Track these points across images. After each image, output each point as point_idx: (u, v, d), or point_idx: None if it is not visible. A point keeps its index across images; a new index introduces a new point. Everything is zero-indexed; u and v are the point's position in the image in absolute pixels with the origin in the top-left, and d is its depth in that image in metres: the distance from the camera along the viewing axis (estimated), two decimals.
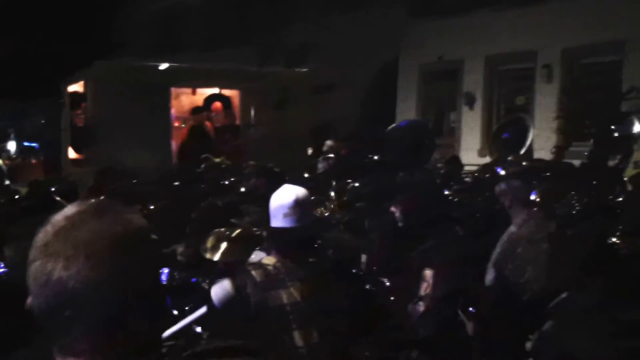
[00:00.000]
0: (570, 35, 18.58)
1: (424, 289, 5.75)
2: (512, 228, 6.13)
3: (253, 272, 4.13)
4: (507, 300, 5.84)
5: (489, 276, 6.07)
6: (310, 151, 15.89)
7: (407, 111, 22.31)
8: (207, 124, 15.40)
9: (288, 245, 4.22)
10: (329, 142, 16.73)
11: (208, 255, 5.96)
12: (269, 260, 4.24)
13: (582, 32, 18.26)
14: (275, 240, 4.24)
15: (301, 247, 4.31)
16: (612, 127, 12.92)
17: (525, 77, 20.36)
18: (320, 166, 11.63)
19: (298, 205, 4.17)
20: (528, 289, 5.76)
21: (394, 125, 12.29)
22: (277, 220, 4.19)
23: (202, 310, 3.27)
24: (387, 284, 6.23)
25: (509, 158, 10.32)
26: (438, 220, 6.32)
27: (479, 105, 21.22)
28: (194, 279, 6.44)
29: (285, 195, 4.21)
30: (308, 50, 25.37)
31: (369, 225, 7.72)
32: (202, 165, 11.77)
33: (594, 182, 9.74)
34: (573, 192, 9.03)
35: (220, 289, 3.53)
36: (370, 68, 24.94)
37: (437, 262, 5.79)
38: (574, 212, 8.23)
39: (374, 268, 6.64)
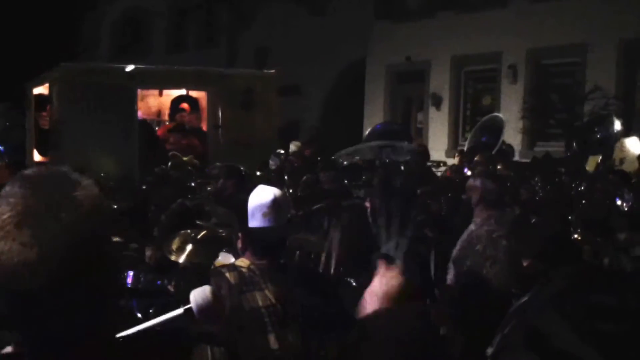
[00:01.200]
0: (534, 37, 18.74)
1: None
2: (472, 226, 6.17)
3: (227, 275, 4.10)
4: (466, 298, 5.87)
5: (449, 274, 6.10)
6: (282, 151, 15.90)
7: (374, 112, 22.36)
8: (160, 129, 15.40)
9: (267, 245, 4.21)
10: (295, 142, 16.76)
11: (173, 257, 5.91)
12: (243, 262, 4.20)
13: (546, 33, 18.43)
14: (254, 240, 4.21)
15: (278, 248, 4.30)
16: (595, 129, 13.12)
17: (490, 77, 20.50)
18: (272, 162, 11.64)
19: (276, 204, 4.16)
20: (486, 286, 5.80)
21: (371, 129, 12.41)
22: (256, 220, 4.16)
23: (179, 311, 3.24)
24: (354, 284, 6.23)
25: (476, 158, 10.39)
26: (408, 219, 6.31)
27: (445, 105, 21.32)
28: (159, 282, 6.40)
29: (264, 195, 4.18)
30: (273, 52, 25.36)
31: (328, 224, 7.74)
32: (169, 163, 11.72)
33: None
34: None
35: (200, 294, 3.51)
36: (337, 69, 24.99)
37: (402, 262, 5.75)
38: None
39: (340, 268, 6.64)
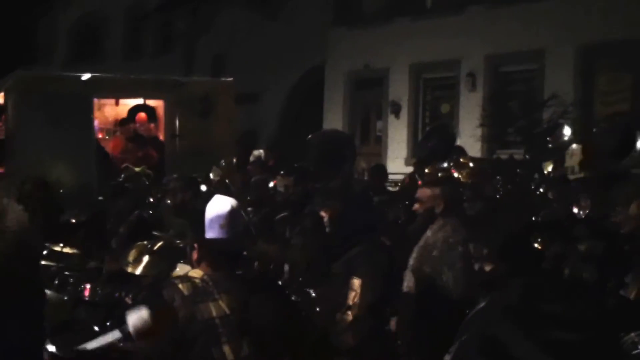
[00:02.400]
0: (492, 44, 18.86)
1: (352, 298, 5.71)
2: (429, 233, 6.14)
3: (180, 286, 4.07)
4: (424, 305, 5.86)
5: (406, 282, 6.07)
6: (234, 160, 15.80)
7: (333, 120, 22.38)
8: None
9: (224, 257, 4.18)
10: (256, 152, 16.69)
11: (130, 269, 5.88)
12: (196, 273, 4.18)
13: (504, 40, 18.55)
14: (211, 252, 4.18)
15: (234, 258, 4.28)
16: (547, 138, 13.23)
17: (449, 85, 20.59)
18: (212, 175, 11.62)
19: (233, 215, 4.16)
20: (443, 293, 5.79)
21: (314, 134, 12.34)
22: (213, 231, 4.14)
23: (115, 335, 3.17)
24: (313, 294, 6.20)
25: (426, 170, 10.43)
26: (365, 228, 6.29)
27: (404, 113, 21.37)
28: (116, 294, 6.34)
29: (221, 205, 4.17)
30: (231, 59, 25.31)
31: (290, 233, 7.70)
32: (122, 176, 11.62)
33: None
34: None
35: (137, 317, 3.45)
36: (296, 77, 24.99)
37: (364, 271, 5.77)
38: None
39: (300, 278, 6.60)
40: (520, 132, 17.41)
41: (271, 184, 10.89)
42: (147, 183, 11.41)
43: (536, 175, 10.98)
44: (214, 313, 4.03)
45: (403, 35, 20.70)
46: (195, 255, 4.23)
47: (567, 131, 13.21)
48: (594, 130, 11.53)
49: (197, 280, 4.10)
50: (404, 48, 20.70)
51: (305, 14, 23.69)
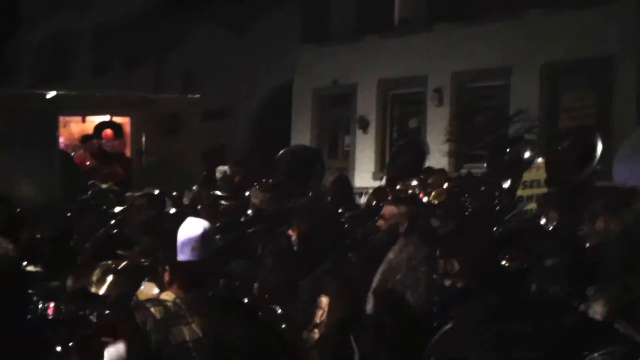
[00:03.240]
0: (459, 61, 18.96)
1: (319, 315, 5.68)
2: (391, 255, 6.07)
3: (152, 309, 4.05)
4: (387, 327, 5.82)
5: (369, 304, 6.01)
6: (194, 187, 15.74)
7: (301, 135, 22.37)
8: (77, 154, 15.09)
9: (194, 278, 4.17)
10: (220, 168, 16.59)
11: (94, 289, 5.85)
12: (168, 295, 4.17)
13: (471, 57, 18.66)
14: (182, 274, 4.17)
15: (205, 280, 4.27)
16: (506, 150, 13.23)
17: (416, 100, 20.67)
18: (185, 199, 11.57)
19: (205, 238, 4.17)
20: (407, 315, 5.75)
21: (283, 150, 12.30)
22: (185, 254, 4.14)
23: None
24: (279, 311, 6.16)
25: (397, 187, 10.40)
26: (332, 245, 6.28)
27: (372, 129, 21.41)
28: (80, 312, 6.28)
29: (193, 228, 4.18)
30: (200, 75, 25.26)
31: (262, 251, 7.63)
32: (89, 192, 11.54)
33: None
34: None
35: (114, 353, 3.44)
36: (264, 93, 24.99)
37: (332, 288, 5.74)
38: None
39: (266, 296, 6.55)
40: (486, 147, 17.48)
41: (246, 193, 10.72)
42: (114, 200, 11.34)
43: (496, 192, 10.99)
44: (187, 337, 4.03)
45: (371, 52, 20.77)
46: (167, 277, 4.21)
47: (527, 147, 13.23)
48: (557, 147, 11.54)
49: (169, 304, 4.11)
50: (372, 64, 20.78)
51: (274, 30, 23.71)
